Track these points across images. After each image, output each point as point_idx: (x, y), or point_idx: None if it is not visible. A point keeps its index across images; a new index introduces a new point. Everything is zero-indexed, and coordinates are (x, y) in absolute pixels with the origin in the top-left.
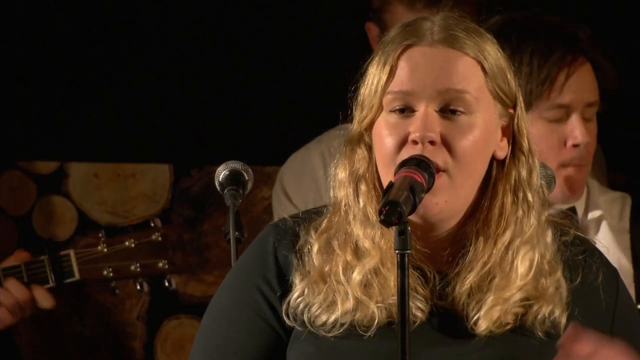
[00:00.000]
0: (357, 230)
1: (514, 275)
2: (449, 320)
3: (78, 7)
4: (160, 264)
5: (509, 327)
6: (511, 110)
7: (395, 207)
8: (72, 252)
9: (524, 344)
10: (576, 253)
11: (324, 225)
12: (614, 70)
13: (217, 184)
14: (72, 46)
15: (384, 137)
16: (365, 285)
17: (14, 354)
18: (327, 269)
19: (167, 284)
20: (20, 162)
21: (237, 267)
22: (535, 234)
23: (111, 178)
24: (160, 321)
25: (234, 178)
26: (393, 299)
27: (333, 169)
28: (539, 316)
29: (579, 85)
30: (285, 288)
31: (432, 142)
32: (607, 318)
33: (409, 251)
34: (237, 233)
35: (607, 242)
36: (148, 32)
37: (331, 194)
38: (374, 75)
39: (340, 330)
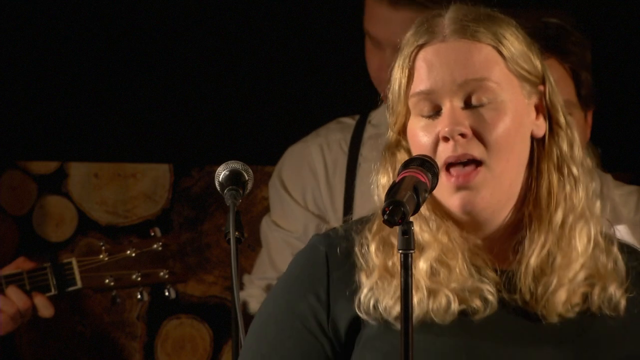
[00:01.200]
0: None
1: (574, 253)
2: (519, 311)
3: (78, 7)
4: (161, 274)
5: (578, 308)
6: (541, 87)
7: (399, 207)
8: (74, 260)
9: (594, 326)
10: (631, 259)
11: (375, 227)
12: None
13: (217, 184)
14: (72, 46)
15: (419, 139)
16: (433, 274)
17: (14, 354)
18: (390, 263)
19: (167, 293)
20: (20, 162)
21: (285, 277)
22: (587, 207)
23: (111, 178)
24: (160, 321)
25: (234, 178)
26: (463, 285)
27: (374, 175)
28: (604, 295)
29: None
30: (336, 297)
31: (463, 135)
32: None
33: (412, 251)
34: (237, 233)
35: (622, 235)
36: (148, 31)
37: (376, 199)
38: (396, 80)
39: (415, 323)
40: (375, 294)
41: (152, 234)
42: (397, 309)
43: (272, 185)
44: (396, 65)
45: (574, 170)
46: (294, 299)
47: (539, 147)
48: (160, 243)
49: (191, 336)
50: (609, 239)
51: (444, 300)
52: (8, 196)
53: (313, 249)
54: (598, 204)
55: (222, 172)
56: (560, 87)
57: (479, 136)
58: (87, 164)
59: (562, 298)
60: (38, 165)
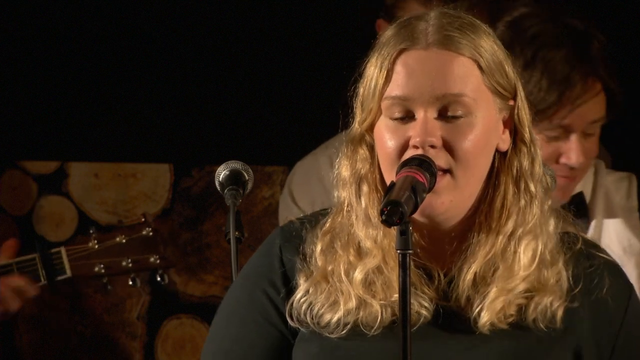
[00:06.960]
0: (359, 230)
1: (517, 266)
2: (453, 318)
3: (78, 7)
4: (152, 259)
5: (511, 319)
6: (511, 102)
7: (397, 207)
8: (63, 249)
9: (525, 337)
10: (587, 265)
11: (327, 225)
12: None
13: (217, 183)
14: (72, 46)
15: (386, 141)
16: (369, 284)
17: (14, 354)
18: (329, 268)
19: (159, 278)
20: (20, 162)
21: (245, 269)
22: (539, 224)
23: (111, 178)
24: (160, 321)
25: (234, 178)
26: (396, 297)
27: (337, 167)
28: (540, 307)
29: (585, 109)
30: (290, 290)
31: (432, 146)
32: (612, 333)
33: (410, 251)
34: (237, 233)
35: (615, 223)
36: (148, 31)
37: (335, 193)
38: (372, 78)
39: (344, 331)
40: (309, 299)
41: (143, 219)
42: (326, 317)
43: (282, 198)
44: (373, 61)
45: (531, 186)
46: (254, 292)
47: (500, 160)
48: (150, 229)
49: (191, 336)
50: (556, 255)
51: (373, 313)
52: (8, 196)
53: (270, 242)
54: (552, 221)
55: (222, 172)
56: (596, 108)
57: (448, 147)
58: (87, 164)
59: (497, 307)
60: (38, 165)
